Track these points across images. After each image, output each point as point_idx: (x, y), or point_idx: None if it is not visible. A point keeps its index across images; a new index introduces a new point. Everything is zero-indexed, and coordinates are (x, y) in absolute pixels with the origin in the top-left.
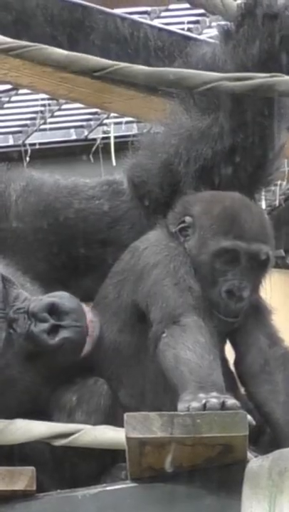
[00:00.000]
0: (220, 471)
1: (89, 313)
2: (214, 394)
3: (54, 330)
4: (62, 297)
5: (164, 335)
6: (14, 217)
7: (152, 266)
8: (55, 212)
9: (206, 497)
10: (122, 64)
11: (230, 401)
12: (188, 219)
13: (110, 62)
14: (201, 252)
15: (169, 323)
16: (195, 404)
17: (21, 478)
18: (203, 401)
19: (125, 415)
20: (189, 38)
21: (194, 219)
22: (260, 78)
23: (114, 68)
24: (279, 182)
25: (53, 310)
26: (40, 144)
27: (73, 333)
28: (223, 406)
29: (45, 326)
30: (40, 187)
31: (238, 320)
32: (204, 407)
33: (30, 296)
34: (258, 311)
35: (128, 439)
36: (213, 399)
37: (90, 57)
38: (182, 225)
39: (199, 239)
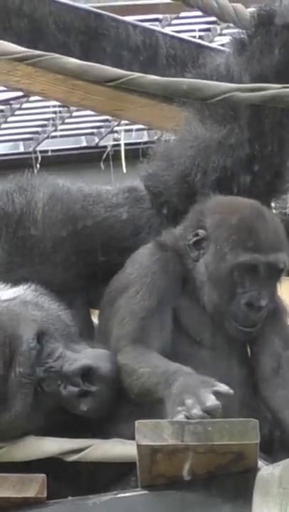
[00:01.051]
0: (231, 478)
1: None
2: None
3: (83, 394)
4: (98, 360)
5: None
6: (41, 225)
7: (121, 290)
8: (82, 220)
9: (217, 505)
10: (136, 74)
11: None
12: (201, 232)
13: (124, 72)
14: (219, 266)
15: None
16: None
17: (32, 485)
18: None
19: (136, 423)
20: (201, 46)
21: (208, 232)
22: (274, 89)
23: (128, 78)
24: None
25: (87, 373)
26: (50, 151)
27: (100, 400)
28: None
29: (74, 390)
30: (66, 195)
31: (256, 329)
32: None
33: (65, 352)
34: (275, 314)
35: (139, 446)
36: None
37: (103, 66)
38: (196, 238)
39: (216, 253)
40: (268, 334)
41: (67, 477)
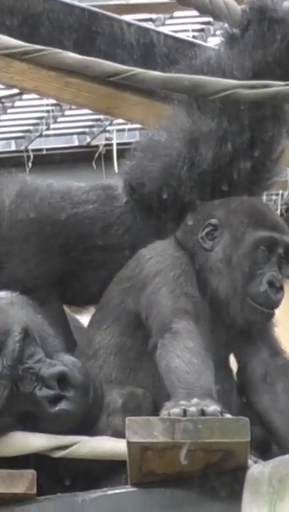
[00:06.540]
0: (221, 476)
1: None
2: (195, 401)
3: (57, 399)
4: (74, 367)
5: (158, 345)
6: (8, 222)
7: (154, 275)
8: (49, 217)
9: (207, 502)
10: (137, 70)
11: (211, 408)
12: (214, 221)
13: (125, 67)
14: (238, 247)
15: (162, 332)
16: (174, 410)
17: (22, 481)
18: (182, 407)
19: (127, 419)
20: (195, 45)
21: (221, 220)
22: (276, 86)
23: (130, 74)
24: (280, 191)
25: (63, 379)
26: (42, 149)
27: (73, 406)
28: (202, 413)
29: (49, 392)
30: (34, 192)
31: (273, 314)
32: (184, 413)
33: (45, 358)
34: None
35: (129, 443)
36: (192, 407)
37: (104, 62)
38: (209, 229)
39: (233, 235)
40: (256, 342)
41: (57, 474)
